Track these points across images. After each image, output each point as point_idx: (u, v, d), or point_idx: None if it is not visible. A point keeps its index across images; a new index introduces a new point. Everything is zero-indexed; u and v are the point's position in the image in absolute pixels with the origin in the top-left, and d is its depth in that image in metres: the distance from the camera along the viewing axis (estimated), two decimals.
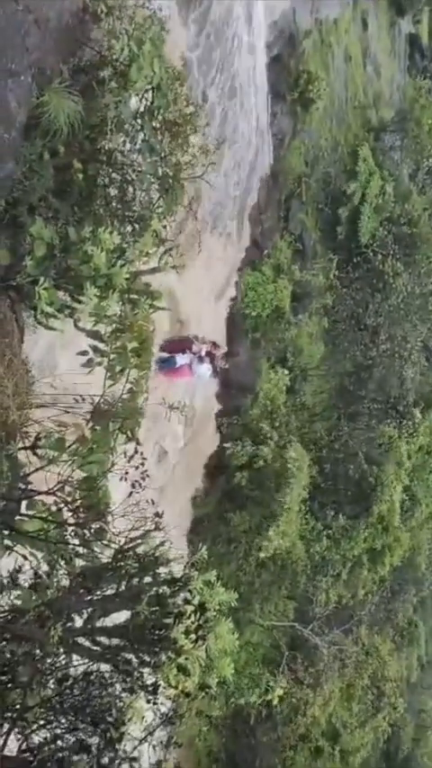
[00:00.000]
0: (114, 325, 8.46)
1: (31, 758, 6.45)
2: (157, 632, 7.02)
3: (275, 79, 19.97)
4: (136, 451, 8.11)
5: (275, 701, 17.47)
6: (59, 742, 6.81)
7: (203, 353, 15.78)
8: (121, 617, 7.63)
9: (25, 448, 7.84)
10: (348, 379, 23.14)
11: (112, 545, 7.76)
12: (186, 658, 6.81)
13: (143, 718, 7.29)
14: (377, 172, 23.86)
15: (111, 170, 8.77)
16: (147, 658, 6.98)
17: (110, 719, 6.81)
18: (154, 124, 8.96)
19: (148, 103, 8.81)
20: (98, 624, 7.60)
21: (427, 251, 24.49)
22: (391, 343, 22.43)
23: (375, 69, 27.95)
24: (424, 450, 25.80)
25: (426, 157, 28.18)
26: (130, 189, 8.96)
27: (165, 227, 9.43)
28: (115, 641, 7.40)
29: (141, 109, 8.78)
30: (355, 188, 23.04)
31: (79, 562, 7.78)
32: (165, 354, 15.46)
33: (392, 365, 22.79)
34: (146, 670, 7.00)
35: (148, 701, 6.92)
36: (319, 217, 23.34)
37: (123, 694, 6.94)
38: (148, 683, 6.92)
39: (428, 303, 23.69)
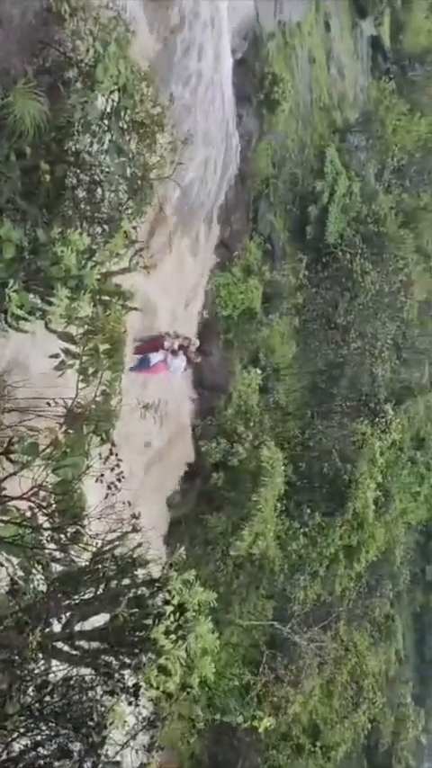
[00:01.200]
0: (86, 327, 8.41)
1: (13, 767, 6.36)
2: (136, 634, 6.98)
3: (241, 81, 20.07)
4: (111, 453, 8.07)
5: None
6: (41, 749, 6.73)
7: (176, 347, 15.80)
8: (100, 620, 7.58)
9: None
10: (320, 377, 23.35)
11: (89, 548, 7.70)
12: (167, 658, 6.79)
13: (125, 722, 7.24)
14: (344, 172, 24.14)
15: (79, 171, 8.73)
16: (127, 660, 6.93)
17: (91, 724, 6.75)
18: (121, 125, 8.94)
19: (115, 104, 8.78)
20: (77, 628, 7.53)
21: (395, 249, 24.85)
22: (362, 341, 22.71)
23: (339, 71, 28.29)
24: (396, 446, 26.11)
25: (391, 157, 28.63)
26: (99, 190, 8.92)
27: (135, 227, 9.40)
28: (95, 644, 7.34)
29: (108, 109, 8.74)
30: (323, 188, 23.29)
31: (56, 567, 7.70)
32: (137, 356, 15.45)
33: (363, 363, 23.06)
34: (126, 672, 6.95)
35: (130, 704, 6.87)
36: (288, 217, 23.52)
37: (104, 698, 6.88)
38: (129, 684, 6.87)
39: (397, 301, 24.03)
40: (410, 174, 29.90)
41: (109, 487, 7.99)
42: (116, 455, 8.03)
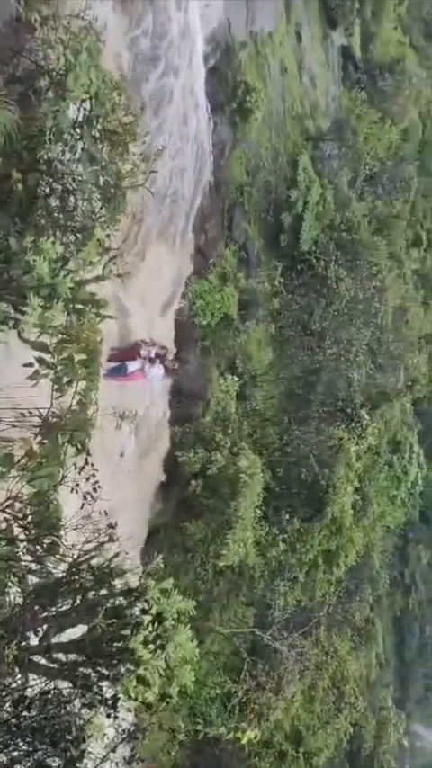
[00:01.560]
0: (60, 336, 8.34)
1: None
2: (114, 644, 6.91)
3: (213, 90, 20.21)
4: (86, 463, 8.00)
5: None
6: (18, 766, 6.62)
7: (153, 355, 15.77)
8: (77, 631, 7.49)
9: None
10: (297, 383, 23.47)
11: (66, 559, 7.62)
12: (146, 669, 6.72)
13: (104, 734, 7.16)
14: (317, 180, 24.40)
15: (51, 180, 8.68)
16: (105, 671, 6.86)
17: (69, 738, 6.66)
18: (93, 133, 8.91)
19: (87, 113, 8.76)
20: (54, 640, 7.44)
21: (368, 256, 25.13)
22: (337, 346, 22.89)
23: (311, 80, 28.65)
24: (373, 450, 26.33)
25: (363, 165, 29.02)
26: (72, 198, 8.87)
27: (108, 236, 9.37)
28: (72, 657, 7.25)
29: (80, 118, 8.72)
30: (297, 196, 23.49)
31: (32, 579, 7.61)
32: (114, 364, 15.38)
33: (339, 368, 23.24)
34: (105, 683, 6.87)
35: (108, 716, 6.79)
36: (263, 225, 23.68)
37: (83, 711, 6.79)
38: (108, 696, 6.79)
39: (371, 307, 24.28)
40: (383, 181, 30.35)
41: (85, 498, 7.92)
42: (92, 465, 7.97)
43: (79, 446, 8.52)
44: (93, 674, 6.91)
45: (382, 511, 28.35)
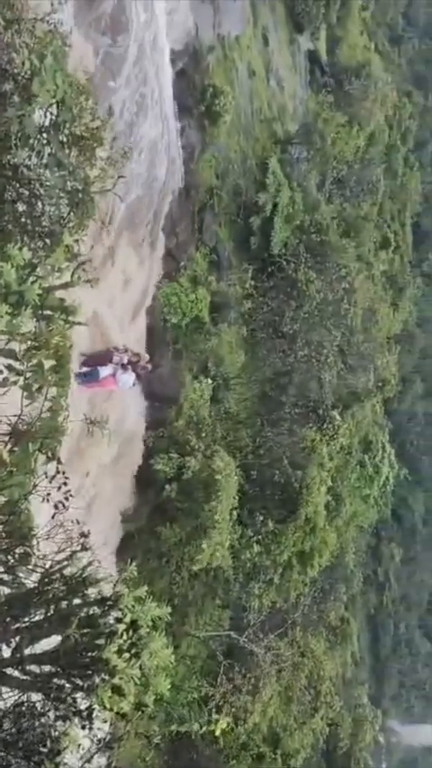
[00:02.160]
0: (29, 343, 8.24)
1: None
2: (89, 654, 6.83)
3: (182, 93, 20.21)
4: (58, 471, 7.91)
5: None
6: None
7: (125, 362, 15.70)
8: (50, 642, 7.39)
9: None
10: (269, 385, 23.56)
11: (38, 569, 7.52)
12: (121, 678, 6.66)
13: (79, 745, 7.07)
14: (286, 183, 24.54)
15: (18, 185, 8.57)
16: (80, 682, 6.77)
17: (44, 751, 6.56)
18: (60, 138, 8.83)
19: (53, 117, 8.67)
20: (27, 652, 7.32)
21: (338, 258, 25.35)
22: (308, 348, 23.02)
23: (278, 84, 28.83)
24: (345, 450, 26.59)
25: (331, 168, 29.29)
26: (39, 204, 8.78)
27: (77, 241, 9.28)
28: (46, 668, 7.15)
29: (46, 123, 8.63)
30: (266, 199, 23.59)
31: (4, 589, 7.49)
32: (86, 369, 15.26)
33: (310, 370, 23.39)
34: (79, 695, 6.79)
35: (83, 728, 6.71)
36: (233, 228, 23.73)
37: (57, 723, 6.70)
38: (82, 707, 6.72)
39: (341, 309, 24.48)
40: (350, 184, 30.67)
41: (56, 507, 7.83)
42: (63, 473, 7.88)
43: (49, 454, 8.43)
44: (67, 686, 6.83)
45: (355, 510, 28.64)
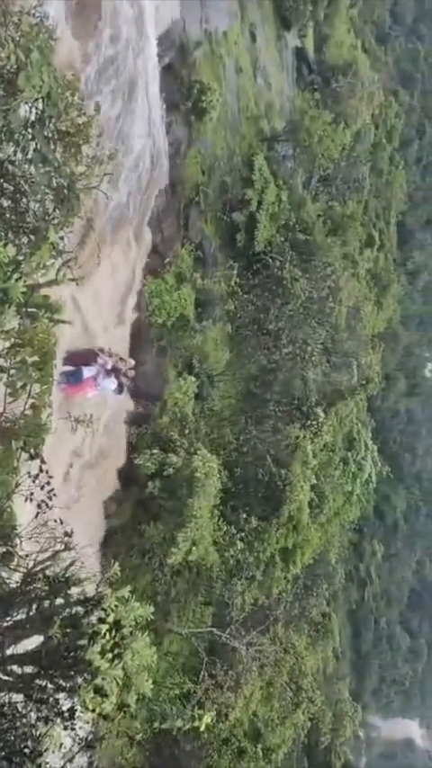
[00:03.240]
0: (13, 340, 8.17)
1: None
2: (71, 655, 6.81)
3: (169, 89, 20.08)
4: (41, 470, 7.86)
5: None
6: None
7: (109, 367, 15.59)
8: (33, 643, 7.35)
9: None
10: (254, 382, 23.58)
11: (20, 569, 7.47)
12: (103, 678, 6.64)
13: (61, 745, 7.05)
14: (272, 180, 24.50)
15: (2, 180, 8.47)
16: (62, 683, 6.75)
17: (25, 751, 6.54)
18: (46, 134, 8.73)
19: (39, 112, 8.57)
20: (9, 652, 7.29)
21: (323, 256, 25.39)
22: (293, 346, 23.06)
23: (265, 81, 28.76)
24: (329, 447, 26.68)
25: (318, 166, 29.29)
26: (24, 200, 8.68)
27: (62, 238, 9.20)
28: (28, 669, 7.11)
29: (32, 118, 8.53)
30: (252, 196, 23.54)
31: None
32: (70, 367, 15.13)
33: (295, 368, 23.42)
34: (61, 695, 6.76)
35: (65, 728, 6.69)
36: (219, 225, 23.66)
37: (39, 723, 6.67)
38: (65, 708, 6.69)
39: (326, 307, 24.53)
40: (336, 182, 30.71)
41: (39, 506, 7.78)
42: (46, 472, 7.83)
43: (33, 452, 8.37)
44: (49, 686, 6.80)
45: (338, 507, 28.77)
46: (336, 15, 36.52)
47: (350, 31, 41.25)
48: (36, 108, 8.53)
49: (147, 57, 17.67)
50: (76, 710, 6.66)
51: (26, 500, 7.71)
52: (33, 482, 7.69)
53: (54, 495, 7.79)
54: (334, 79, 33.33)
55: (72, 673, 6.67)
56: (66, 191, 8.99)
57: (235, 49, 25.63)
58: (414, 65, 56.36)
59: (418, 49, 56.69)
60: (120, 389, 16.24)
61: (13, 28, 8.35)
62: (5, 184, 8.54)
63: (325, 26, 35.64)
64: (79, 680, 6.60)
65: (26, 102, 8.41)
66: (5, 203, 8.69)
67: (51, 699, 6.68)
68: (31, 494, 7.67)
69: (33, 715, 6.68)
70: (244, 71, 26.44)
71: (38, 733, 6.71)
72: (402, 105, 50.01)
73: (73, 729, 6.75)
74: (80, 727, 7.28)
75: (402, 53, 55.86)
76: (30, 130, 8.49)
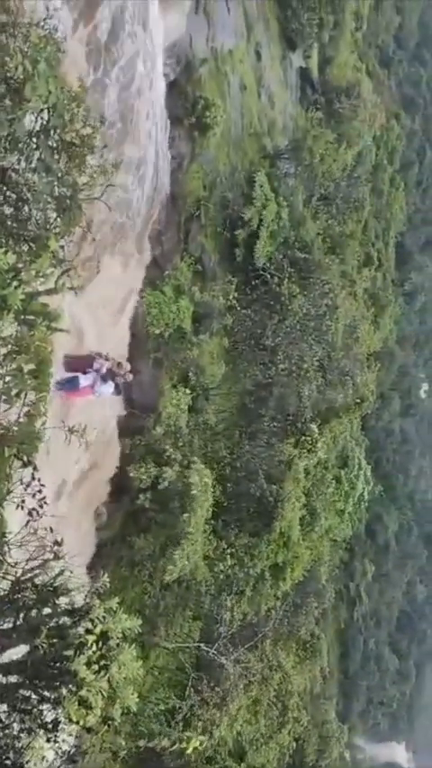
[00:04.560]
0: (10, 347, 8.18)
1: None
2: (57, 666, 6.74)
3: (173, 104, 20.31)
4: (33, 478, 7.83)
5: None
6: None
7: (104, 371, 15.59)
8: (18, 652, 7.28)
9: None
10: (249, 397, 23.58)
11: (9, 577, 7.42)
12: (88, 690, 6.57)
13: (43, 758, 6.96)
14: (273, 197, 24.68)
15: (5, 188, 8.53)
16: (47, 694, 6.67)
17: (6, 763, 6.45)
18: (50, 143, 8.82)
19: (44, 122, 8.66)
20: None
21: (321, 274, 25.54)
22: (289, 362, 23.10)
23: (269, 99, 29.08)
24: (322, 464, 26.68)
25: (318, 185, 29.54)
26: (26, 208, 8.74)
27: (62, 247, 9.25)
28: (13, 679, 7.04)
29: (37, 128, 8.62)
30: (252, 213, 23.71)
31: None
32: (67, 375, 15.13)
33: (290, 384, 23.45)
34: (45, 707, 6.68)
35: (48, 740, 6.60)
36: (218, 239, 23.79)
37: (22, 734, 6.59)
38: (48, 720, 6.61)
39: (323, 324, 24.63)
40: (337, 201, 30.94)
41: (30, 514, 7.74)
42: (38, 480, 7.80)
43: (26, 460, 8.35)
44: (33, 697, 6.72)
45: (330, 524, 28.70)
46: (340, 38, 37.03)
47: (354, 53, 41.81)
48: (41, 118, 8.63)
49: (153, 71, 17.87)
50: (59, 722, 6.58)
51: (17, 507, 7.67)
52: (25, 490, 7.66)
53: (45, 503, 7.76)
54: (337, 100, 33.72)
55: (57, 683, 6.60)
56: (68, 200, 9.06)
57: (240, 66, 25.92)
58: (416, 89, 57.06)
59: (421, 74, 57.44)
60: (117, 391, 16.26)
61: (21, 39, 8.46)
62: (8, 192, 8.60)
63: (329, 48, 36.12)
64: (64, 691, 6.52)
65: (32, 112, 8.50)
66: (8, 211, 8.74)
67: (35, 710, 6.60)
68: (23, 501, 7.64)
69: (16, 726, 6.59)
70: (248, 89, 26.73)
71: (20, 744, 6.62)
72: (404, 128, 50.57)
73: (56, 742, 6.66)
74: (63, 740, 7.19)
75: (405, 77, 56.55)
76: (34, 140, 8.58)
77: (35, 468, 8.02)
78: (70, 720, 6.48)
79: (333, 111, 32.91)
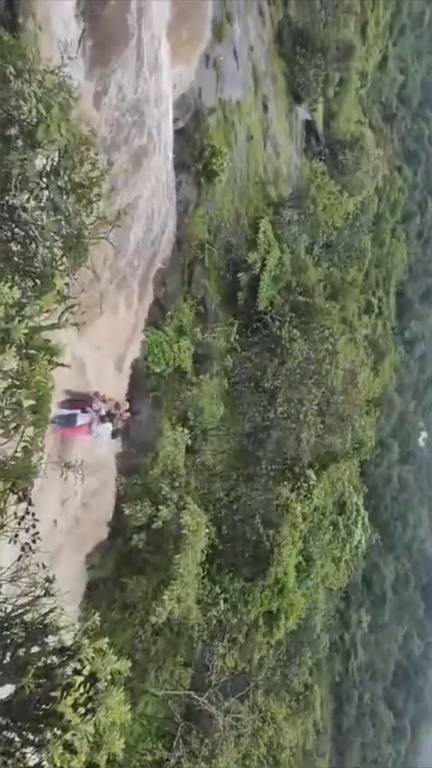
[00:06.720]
0: (10, 380, 8.22)
1: None
2: (42, 707, 6.55)
3: (181, 150, 20.90)
4: (27, 512, 7.77)
5: None
6: None
7: (104, 412, 15.58)
8: (4, 692, 7.10)
9: None
10: (247, 439, 23.53)
11: None
12: (74, 734, 6.38)
13: None
14: (276, 244, 25.16)
15: (14, 226, 8.71)
16: (30, 736, 6.47)
17: None
18: (59, 184, 9.04)
19: (54, 164, 8.90)
20: None
21: (322, 320, 25.81)
22: (288, 405, 23.13)
23: (275, 149, 29.92)
24: (319, 510, 26.43)
25: (321, 233, 30.15)
26: (33, 245, 8.90)
27: (67, 284, 9.40)
28: None
29: (47, 168, 8.85)
30: (255, 258, 24.13)
31: None
32: (65, 411, 15.11)
33: (289, 427, 23.42)
34: (29, 750, 6.48)
35: None
36: (221, 282, 24.16)
37: None
38: (31, 764, 6.40)
39: (323, 368, 24.74)
40: (339, 249, 31.52)
41: (23, 549, 7.66)
42: (33, 514, 7.74)
43: (21, 494, 8.29)
44: (17, 739, 6.52)
45: (326, 572, 28.27)
46: (345, 94, 38.32)
47: (358, 108, 43.17)
48: (52, 159, 8.86)
49: (163, 119, 18.41)
50: (43, 767, 6.37)
51: (9, 541, 7.59)
52: (19, 524, 7.59)
53: (39, 538, 7.68)
54: (341, 152, 34.71)
55: (42, 726, 6.41)
56: (74, 239, 9.23)
57: (247, 117, 26.76)
58: (419, 144, 58.75)
59: (423, 129, 59.22)
60: (114, 434, 16.21)
61: (36, 85, 8.76)
62: (17, 230, 8.78)
63: (334, 103, 37.35)
64: (49, 734, 6.34)
65: (43, 154, 8.74)
66: (15, 247, 8.90)
67: (18, 753, 6.40)
68: (16, 535, 7.56)
69: None
70: (255, 139, 27.53)
71: None
72: (406, 181, 51.85)
73: None
74: None
75: (407, 132, 58.31)
76: (44, 180, 8.80)
77: (30, 503, 7.97)
78: (54, 765, 6.28)
79: (337, 163, 33.84)
